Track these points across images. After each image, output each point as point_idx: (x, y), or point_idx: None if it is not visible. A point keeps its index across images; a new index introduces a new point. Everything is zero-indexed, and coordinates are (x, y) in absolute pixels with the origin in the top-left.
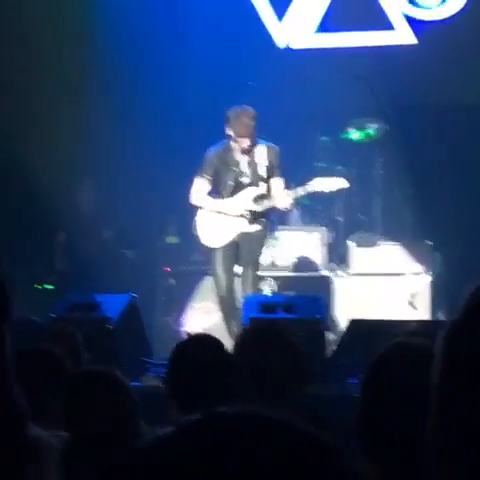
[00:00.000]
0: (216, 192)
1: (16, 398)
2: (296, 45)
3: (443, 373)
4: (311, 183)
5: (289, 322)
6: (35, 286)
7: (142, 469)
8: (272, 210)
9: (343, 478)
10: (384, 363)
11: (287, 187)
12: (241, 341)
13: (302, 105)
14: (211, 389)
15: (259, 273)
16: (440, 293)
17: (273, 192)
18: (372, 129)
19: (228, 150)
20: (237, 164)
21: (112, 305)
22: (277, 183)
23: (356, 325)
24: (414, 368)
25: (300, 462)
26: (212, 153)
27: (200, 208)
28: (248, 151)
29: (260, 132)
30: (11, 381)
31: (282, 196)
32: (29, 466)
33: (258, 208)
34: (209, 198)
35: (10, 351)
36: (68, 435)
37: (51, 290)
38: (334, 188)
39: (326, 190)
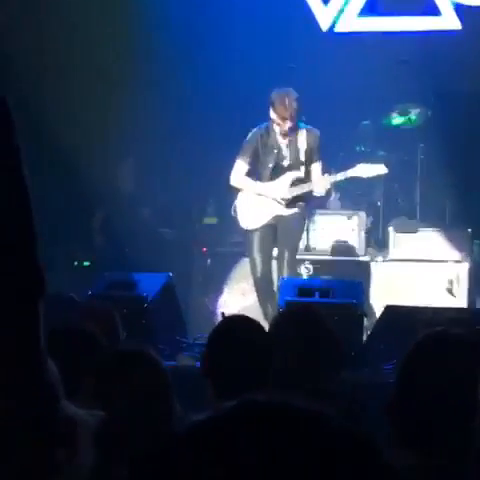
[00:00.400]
0: (256, 174)
1: (48, 380)
2: (340, 28)
3: None
4: (350, 169)
5: (325, 306)
6: (74, 263)
7: (177, 456)
8: (310, 194)
9: (379, 476)
10: (421, 352)
11: (327, 171)
12: (276, 324)
13: (345, 89)
14: (246, 371)
15: (297, 257)
16: (479, 281)
17: (312, 176)
18: (414, 114)
19: (270, 133)
20: (278, 147)
21: (149, 284)
22: (316, 167)
23: (391, 311)
24: (450, 358)
25: (333, 458)
26: (254, 135)
27: (240, 190)
28: (289, 134)
29: (302, 115)
30: (44, 362)
31: (320, 181)
32: (61, 449)
33: (296, 192)
34: (249, 180)
35: (44, 330)
36: (103, 414)
37: (89, 267)
38: (373, 174)
39: (365, 176)
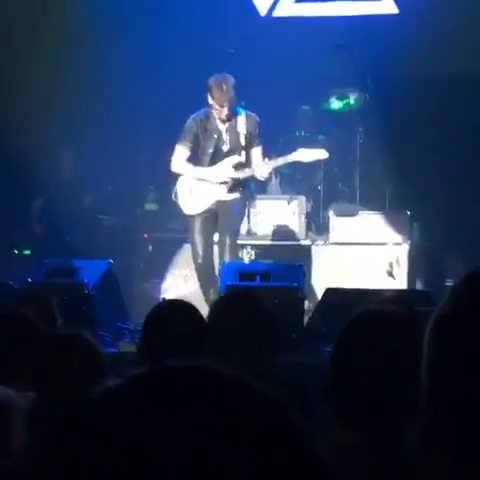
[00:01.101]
0: (196, 160)
1: None
2: (278, 13)
3: (432, 361)
4: (291, 154)
5: (266, 290)
6: (14, 252)
7: (89, 420)
8: (251, 179)
9: (291, 437)
10: (354, 328)
11: (268, 156)
12: (216, 308)
13: (283, 74)
14: (184, 356)
15: (238, 241)
16: (418, 263)
17: (252, 161)
18: (353, 98)
19: (209, 118)
20: (217, 132)
21: (89, 271)
22: (256, 152)
23: (332, 293)
24: (383, 334)
25: (247, 418)
26: (193, 121)
27: (180, 175)
28: (228, 120)
29: (241, 100)
30: None
31: (261, 166)
32: None
33: (237, 176)
34: (189, 165)
35: None
36: (36, 396)
37: (29, 255)
38: (314, 158)
39: (305, 160)
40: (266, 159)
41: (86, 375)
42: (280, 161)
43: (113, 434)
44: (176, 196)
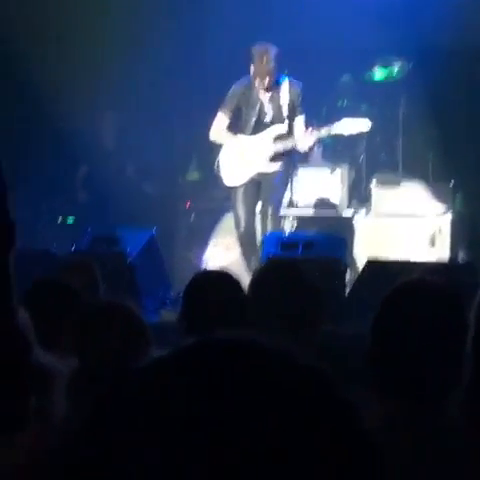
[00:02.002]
0: (238, 129)
1: (19, 329)
2: None
3: (478, 333)
4: (335, 124)
5: (308, 260)
6: (58, 220)
7: (136, 390)
8: (293, 149)
9: (336, 409)
10: (396, 299)
11: (309, 125)
12: (257, 278)
13: (326, 42)
14: (225, 325)
15: (280, 212)
16: (461, 234)
17: (295, 131)
18: (396, 68)
19: (251, 87)
20: (259, 102)
21: (132, 240)
22: (299, 122)
23: (373, 265)
24: (426, 305)
25: (293, 391)
26: (235, 89)
27: (220, 144)
28: (270, 89)
29: (283, 69)
30: (14, 312)
31: (303, 136)
32: (33, 397)
33: (279, 147)
34: (229, 134)
35: (18, 282)
36: (77, 363)
37: (72, 224)
38: (356, 131)
39: (348, 132)
40: (309, 129)
41: (127, 344)
42: (323, 132)
43: (155, 409)
44: (218, 167)
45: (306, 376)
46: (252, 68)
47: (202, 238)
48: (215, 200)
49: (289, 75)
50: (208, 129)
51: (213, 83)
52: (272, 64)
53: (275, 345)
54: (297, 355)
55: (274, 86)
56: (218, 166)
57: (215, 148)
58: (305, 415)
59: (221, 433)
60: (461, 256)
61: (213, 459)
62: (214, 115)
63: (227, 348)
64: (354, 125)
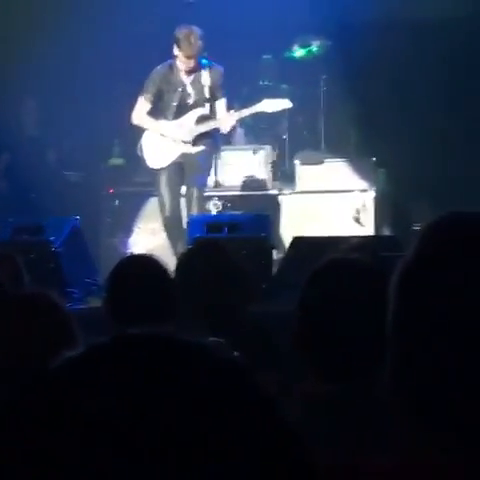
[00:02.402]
0: (160, 113)
1: None
2: None
3: (396, 309)
4: (255, 105)
5: (234, 241)
6: None
7: (46, 391)
8: (216, 131)
9: (255, 404)
10: (319, 279)
11: (232, 107)
12: (184, 260)
13: (245, 23)
14: (151, 310)
15: (205, 194)
16: (385, 209)
17: (216, 113)
18: (315, 46)
19: (173, 70)
20: (182, 85)
21: (56, 228)
22: (220, 104)
23: (299, 242)
24: (348, 283)
25: (207, 387)
26: (156, 73)
27: (142, 129)
28: (193, 72)
29: (204, 51)
30: None
31: (225, 118)
32: None
33: (202, 129)
34: (150, 119)
35: None
36: None
37: None
38: (278, 109)
39: (270, 111)
40: (231, 111)
41: (51, 335)
42: (244, 112)
43: (65, 411)
44: (141, 150)
45: (220, 371)
46: (176, 50)
47: (127, 223)
48: (139, 185)
49: (209, 57)
50: (130, 114)
51: (134, 67)
52: (198, 45)
53: (192, 341)
54: (215, 350)
55: (197, 69)
56: (141, 149)
57: (137, 133)
58: (218, 409)
59: (133, 432)
60: (385, 231)
61: (128, 458)
62: (135, 98)
63: (141, 345)
64: (275, 104)
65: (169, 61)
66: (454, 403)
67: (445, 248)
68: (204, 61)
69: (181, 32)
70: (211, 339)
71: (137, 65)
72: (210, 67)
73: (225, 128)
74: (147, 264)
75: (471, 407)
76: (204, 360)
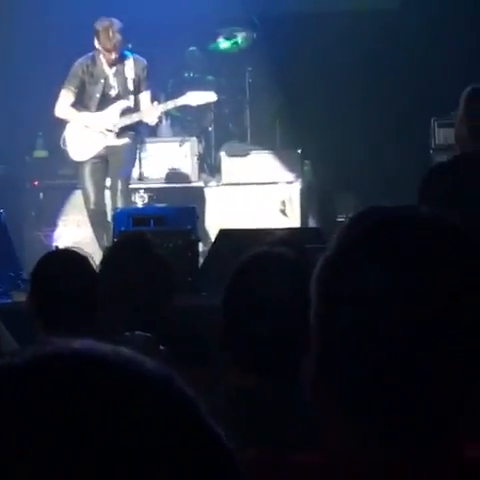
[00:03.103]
0: (83, 105)
1: None
2: None
3: (317, 303)
4: (180, 97)
5: (159, 234)
6: None
7: None
8: (140, 123)
9: (181, 412)
10: (242, 274)
11: (157, 100)
12: (108, 254)
13: (169, 15)
14: (75, 305)
15: (130, 186)
16: (310, 201)
17: (141, 106)
18: (240, 38)
19: (95, 62)
20: (104, 77)
21: None
22: (144, 96)
23: (225, 235)
24: (272, 277)
25: (134, 406)
26: (79, 65)
27: (65, 121)
28: (115, 64)
29: (127, 43)
30: None
31: (149, 110)
32: None
33: (126, 121)
34: (74, 111)
35: None
36: None
37: None
38: (203, 102)
39: (195, 104)
40: (155, 103)
41: None
42: (169, 105)
43: None
44: (64, 143)
45: (146, 381)
46: (96, 43)
47: (52, 217)
48: (63, 177)
49: (133, 49)
50: (52, 105)
51: (57, 59)
52: (117, 38)
53: (114, 353)
54: (139, 359)
55: (119, 61)
56: (64, 142)
57: (61, 125)
58: (142, 415)
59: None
60: (310, 223)
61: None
62: (58, 90)
63: (58, 366)
64: (200, 97)
65: (91, 53)
66: (379, 394)
67: (362, 242)
68: (127, 53)
69: (100, 24)
70: (138, 333)
71: (60, 56)
72: (134, 59)
73: (149, 120)
74: (72, 258)
75: (395, 396)
76: (132, 376)
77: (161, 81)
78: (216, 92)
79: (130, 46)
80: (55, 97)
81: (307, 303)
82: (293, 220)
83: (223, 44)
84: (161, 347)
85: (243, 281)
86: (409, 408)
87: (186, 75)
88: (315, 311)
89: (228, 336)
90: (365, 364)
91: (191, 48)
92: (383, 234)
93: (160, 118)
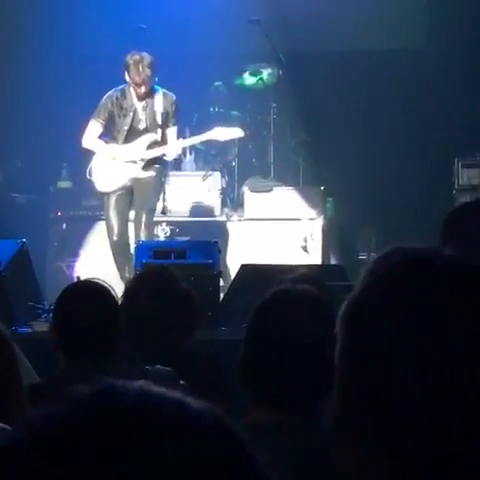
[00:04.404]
0: (111, 137)
1: None
2: None
3: (343, 343)
4: (206, 132)
5: (181, 267)
6: None
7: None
8: (162, 157)
9: (235, 454)
10: (267, 308)
11: (182, 135)
12: (131, 286)
13: (196, 49)
14: (96, 337)
15: (154, 219)
16: (332, 237)
17: (167, 140)
18: (266, 74)
19: (125, 95)
20: (133, 110)
21: (1, 250)
22: (171, 132)
23: (247, 270)
24: (295, 313)
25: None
26: (108, 98)
27: (92, 152)
28: (145, 98)
29: (154, 77)
30: None
31: (173, 145)
32: None
33: (151, 154)
34: (101, 142)
35: None
36: None
37: None
38: (229, 137)
39: (221, 139)
40: (180, 139)
41: None
42: (195, 140)
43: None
44: (91, 173)
45: (204, 430)
46: (127, 76)
47: (74, 247)
48: (87, 208)
49: (159, 83)
50: (80, 137)
51: (86, 91)
52: (147, 72)
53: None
54: (189, 401)
55: (149, 94)
56: (90, 173)
57: (87, 156)
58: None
59: None
60: (332, 260)
61: None
62: (86, 123)
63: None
64: (227, 132)
65: (122, 86)
66: (404, 434)
67: (388, 284)
68: (157, 87)
69: (131, 58)
70: (158, 367)
71: (89, 88)
72: (163, 94)
73: (171, 155)
74: (94, 290)
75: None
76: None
77: (186, 115)
78: (241, 127)
79: (156, 79)
80: (81, 129)
81: (329, 340)
82: (315, 257)
83: (249, 80)
84: (181, 381)
85: (266, 317)
86: (452, 455)
87: (211, 110)
88: (341, 350)
89: (249, 371)
90: (389, 400)
91: (217, 83)
92: (409, 276)
93: (181, 154)
